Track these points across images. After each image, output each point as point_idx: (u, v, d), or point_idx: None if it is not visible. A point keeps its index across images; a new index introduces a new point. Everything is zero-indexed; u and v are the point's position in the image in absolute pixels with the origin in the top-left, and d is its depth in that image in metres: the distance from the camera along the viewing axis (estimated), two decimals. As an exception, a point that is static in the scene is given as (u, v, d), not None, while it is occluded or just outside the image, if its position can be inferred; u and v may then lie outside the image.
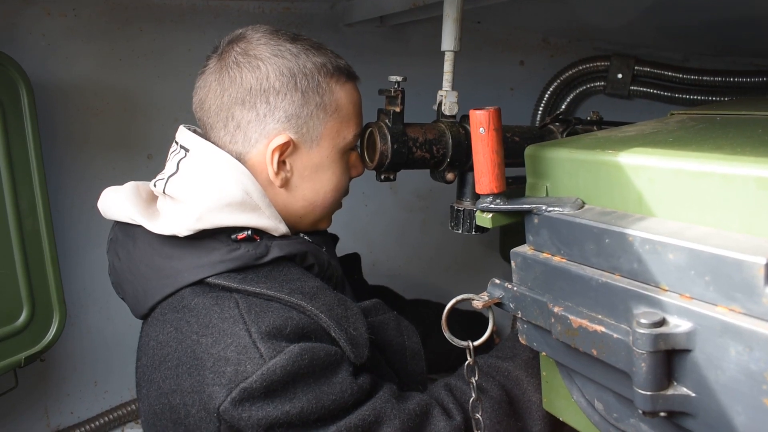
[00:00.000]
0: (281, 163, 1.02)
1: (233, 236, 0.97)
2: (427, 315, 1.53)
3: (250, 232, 0.98)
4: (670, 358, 0.64)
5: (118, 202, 1.03)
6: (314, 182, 1.06)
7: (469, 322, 1.55)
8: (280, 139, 1.00)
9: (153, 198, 1.06)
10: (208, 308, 0.92)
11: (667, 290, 0.65)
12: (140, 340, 1.05)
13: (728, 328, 0.58)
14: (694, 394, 0.64)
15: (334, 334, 0.94)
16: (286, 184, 1.04)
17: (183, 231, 0.94)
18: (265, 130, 1.00)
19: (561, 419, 0.98)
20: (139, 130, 1.67)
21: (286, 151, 1.01)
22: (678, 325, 0.63)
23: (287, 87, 0.99)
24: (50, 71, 1.52)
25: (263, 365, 0.85)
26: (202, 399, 0.87)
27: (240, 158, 1.01)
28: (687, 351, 0.63)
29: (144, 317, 1.03)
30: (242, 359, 0.86)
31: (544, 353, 0.88)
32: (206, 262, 0.95)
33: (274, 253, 0.99)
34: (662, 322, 0.63)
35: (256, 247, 0.98)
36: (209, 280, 0.94)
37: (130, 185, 1.06)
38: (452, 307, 0.90)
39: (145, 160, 1.69)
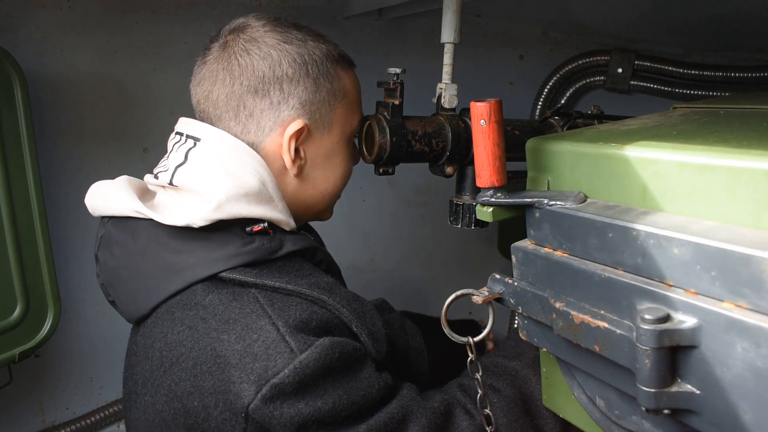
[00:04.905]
0: (296, 151, 0.99)
1: (248, 228, 0.93)
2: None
3: (265, 224, 0.94)
4: (675, 355, 0.63)
5: (113, 196, 0.98)
6: (325, 169, 1.04)
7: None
8: (296, 125, 0.97)
9: (146, 192, 1.02)
10: (226, 304, 0.88)
11: (671, 285, 0.64)
12: (136, 344, 1.00)
13: (735, 324, 0.57)
14: (698, 392, 0.62)
15: (355, 329, 0.92)
16: (300, 172, 1.02)
17: (199, 221, 0.89)
18: (279, 118, 0.97)
19: (561, 416, 0.97)
20: (135, 123, 1.65)
21: (300, 137, 0.99)
22: (683, 321, 0.61)
23: (300, 74, 0.97)
24: (44, 64, 1.50)
25: (295, 359, 0.82)
26: (227, 399, 0.83)
27: (253, 148, 0.98)
28: (692, 347, 0.61)
29: (141, 319, 0.98)
30: (271, 354, 0.82)
31: (544, 349, 0.87)
32: (220, 256, 0.91)
33: (288, 247, 0.96)
34: (667, 318, 0.62)
35: (271, 240, 0.95)
36: (223, 274, 0.90)
37: (123, 178, 1.02)
38: (451, 303, 0.89)
39: (141, 153, 1.67)
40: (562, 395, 0.94)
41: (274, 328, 0.85)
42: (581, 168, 0.79)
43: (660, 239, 0.64)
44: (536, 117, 2.09)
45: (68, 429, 1.71)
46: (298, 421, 0.82)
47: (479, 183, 0.84)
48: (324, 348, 0.84)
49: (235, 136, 0.98)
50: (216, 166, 0.94)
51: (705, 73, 1.86)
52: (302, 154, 1.01)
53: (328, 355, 0.84)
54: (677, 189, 0.67)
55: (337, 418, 0.84)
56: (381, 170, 1.10)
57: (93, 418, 1.75)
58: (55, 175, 1.55)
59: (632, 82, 1.96)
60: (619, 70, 1.96)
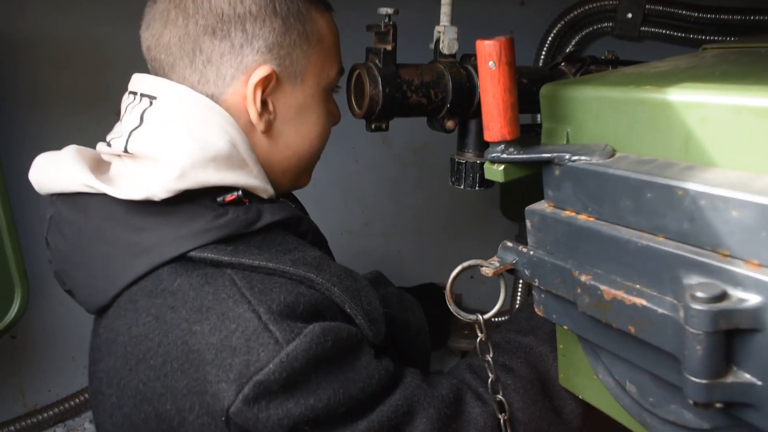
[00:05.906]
0: (263, 103, 0.86)
1: (219, 199, 0.80)
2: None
3: (239, 192, 0.81)
4: (731, 339, 0.52)
5: (61, 170, 0.84)
6: (299, 126, 0.90)
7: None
8: (263, 71, 0.83)
9: (99, 164, 0.88)
10: (197, 289, 0.76)
11: (728, 256, 0.52)
12: (97, 338, 0.87)
13: (813, 303, 0.46)
14: (760, 383, 0.52)
15: (349, 310, 0.80)
16: (268, 129, 0.88)
17: (161, 193, 0.75)
18: (242, 64, 0.83)
19: (580, 397, 0.87)
20: (105, 84, 1.52)
21: (268, 87, 0.85)
22: (744, 299, 0.50)
23: (266, 12, 0.82)
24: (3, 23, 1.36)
25: (280, 352, 0.70)
26: (203, 401, 0.72)
27: (213, 101, 0.84)
28: (754, 331, 0.51)
29: (102, 310, 0.84)
30: (253, 347, 0.70)
31: (565, 327, 0.76)
32: (188, 232, 0.77)
33: (267, 218, 0.83)
34: (723, 296, 0.51)
35: (247, 211, 0.81)
36: (192, 254, 0.77)
37: (71, 148, 0.87)
38: (457, 276, 0.78)
39: (114, 117, 1.54)
40: (582, 375, 0.84)
41: (254, 316, 0.72)
42: (607, 116, 0.67)
43: (714, 200, 0.52)
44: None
45: (51, 412, 1.63)
46: (288, 423, 0.70)
47: (488, 137, 0.72)
48: (315, 336, 0.72)
49: (192, 86, 0.84)
50: (177, 127, 0.80)
51: (722, 16, 1.71)
52: (271, 107, 0.87)
53: (319, 344, 0.72)
54: (731, 139, 0.55)
55: (334, 415, 0.73)
56: (373, 126, 0.97)
57: (77, 400, 1.66)
58: (14, 144, 1.42)
59: (643, 28, 1.82)
60: (629, 15, 1.82)
